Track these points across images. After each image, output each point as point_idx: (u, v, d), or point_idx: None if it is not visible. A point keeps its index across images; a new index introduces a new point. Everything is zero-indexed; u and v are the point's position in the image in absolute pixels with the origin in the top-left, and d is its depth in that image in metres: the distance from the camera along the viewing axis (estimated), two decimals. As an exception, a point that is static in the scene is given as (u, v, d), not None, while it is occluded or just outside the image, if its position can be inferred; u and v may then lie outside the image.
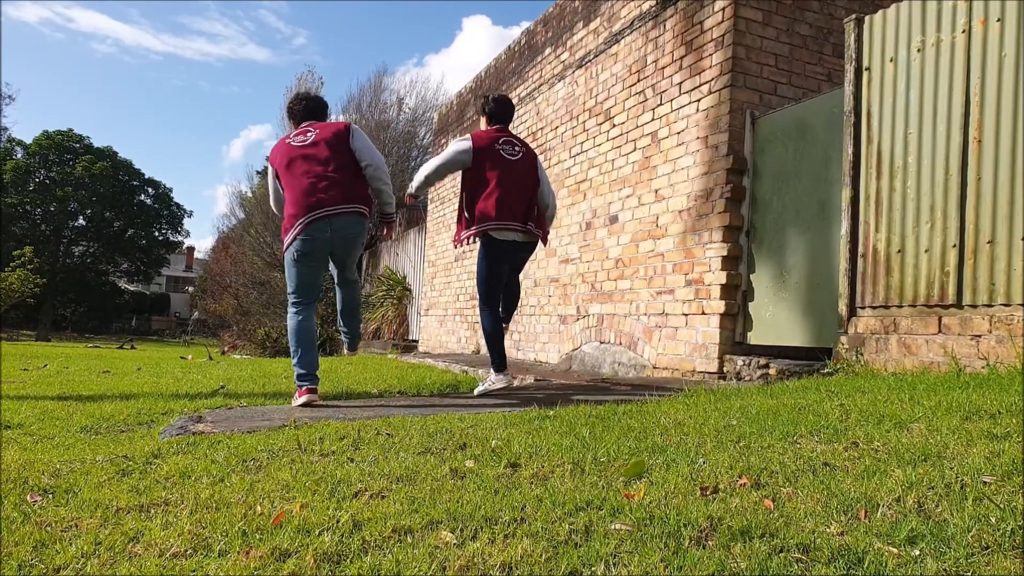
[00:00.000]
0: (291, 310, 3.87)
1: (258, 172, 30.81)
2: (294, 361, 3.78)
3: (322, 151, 3.81)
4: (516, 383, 5.14)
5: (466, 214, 4.19)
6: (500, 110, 4.34)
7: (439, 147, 11.59)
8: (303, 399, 3.62)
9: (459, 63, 68.04)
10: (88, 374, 6.35)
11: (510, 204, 4.11)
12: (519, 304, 4.55)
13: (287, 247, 3.81)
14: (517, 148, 4.25)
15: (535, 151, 4.44)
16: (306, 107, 4.04)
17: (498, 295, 4.30)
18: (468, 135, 4.22)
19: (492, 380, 4.26)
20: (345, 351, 4.17)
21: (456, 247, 4.47)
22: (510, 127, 4.42)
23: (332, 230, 3.74)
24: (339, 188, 3.75)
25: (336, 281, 4.13)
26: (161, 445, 2.48)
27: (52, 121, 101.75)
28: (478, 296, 4.32)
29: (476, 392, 4.28)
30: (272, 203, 4.08)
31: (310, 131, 3.90)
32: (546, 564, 1.30)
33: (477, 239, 4.18)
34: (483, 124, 4.39)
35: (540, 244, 4.43)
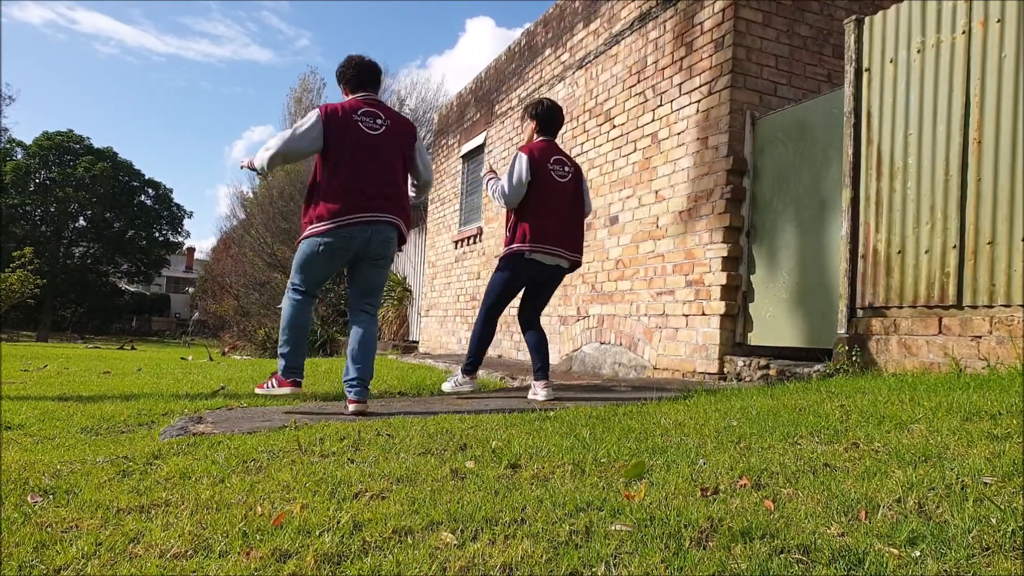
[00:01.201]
0: (292, 296, 3.56)
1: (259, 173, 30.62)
2: (284, 350, 3.52)
3: (392, 148, 3.54)
4: (516, 383, 5.14)
5: (513, 230, 4.05)
6: (550, 119, 4.19)
7: (440, 147, 11.60)
8: (286, 390, 3.48)
9: (462, 64, 68.00)
10: (88, 375, 6.35)
11: (554, 227, 4.03)
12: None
13: (315, 234, 3.43)
14: (567, 168, 4.15)
15: (580, 167, 4.31)
16: (367, 72, 3.63)
17: (503, 308, 4.22)
18: (522, 153, 4.05)
19: (460, 382, 4.22)
20: (352, 402, 3.34)
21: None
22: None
23: (371, 238, 3.45)
24: (396, 198, 3.52)
25: (352, 310, 3.66)
26: (161, 446, 2.48)
27: (54, 122, 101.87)
28: (484, 301, 4.23)
29: (444, 388, 4.25)
30: (292, 141, 3.46)
31: (379, 117, 3.55)
32: (547, 565, 1.30)
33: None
34: (530, 130, 4.23)
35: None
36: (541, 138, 4.19)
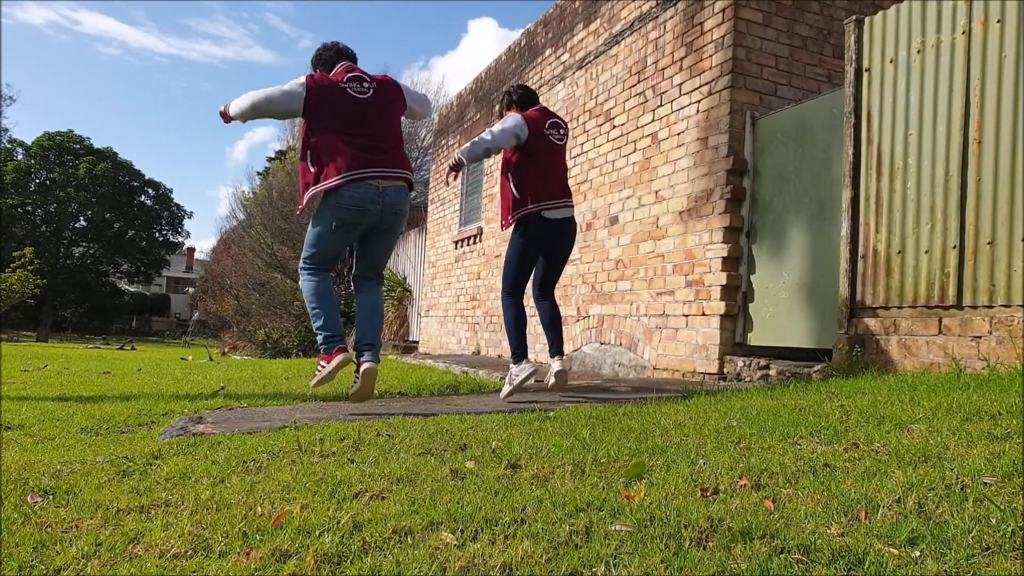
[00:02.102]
0: (306, 274, 3.55)
1: (259, 173, 30.80)
2: (317, 324, 3.49)
3: (384, 109, 3.57)
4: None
5: (515, 194, 4.06)
6: (527, 97, 4.27)
7: (440, 148, 11.60)
8: (339, 358, 3.38)
9: (465, 65, 67.93)
10: (88, 375, 6.35)
11: (555, 184, 4.10)
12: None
13: (326, 207, 3.42)
14: (562, 131, 4.22)
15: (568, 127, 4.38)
16: (344, 51, 3.69)
17: (524, 284, 4.19)
18: (517, 115, 4.10)
19: (515, 372, 3.97)
20: (363, 368, 3.41)
21: (504, 229, 4.28)
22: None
23: (384, 203, 3.46)
24: (398, 152, 3.54)
25: (360, 279, 3.68)
26: (161, 446, 2.49)
27: (56, 122, 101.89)
28: (502, 284, 4.18)
29: (502, 395, 3.99)
30: (272, 94, 3.47)
31: (364, 79, 3.57)
32: (546, 565, 1.30)
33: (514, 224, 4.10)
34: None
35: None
36: (532, 109, 4.23)
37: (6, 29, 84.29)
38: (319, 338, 3.51)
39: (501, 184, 4.21)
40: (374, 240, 3.62)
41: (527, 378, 3.91)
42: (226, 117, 3.68)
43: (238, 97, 3.61)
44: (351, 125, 3.47)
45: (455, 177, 4.31)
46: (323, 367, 3.48)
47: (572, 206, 4.20)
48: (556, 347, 4.07)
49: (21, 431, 3.23)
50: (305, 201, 3.50)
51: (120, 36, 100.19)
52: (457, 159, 4.12)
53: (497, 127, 4.06)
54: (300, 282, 3.59)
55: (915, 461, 1.83)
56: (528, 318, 4.29)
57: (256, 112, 3.54)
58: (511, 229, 4.20)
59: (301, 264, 3.60)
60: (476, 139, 4.06)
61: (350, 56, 3.72)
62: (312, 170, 3.47)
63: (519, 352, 4.08)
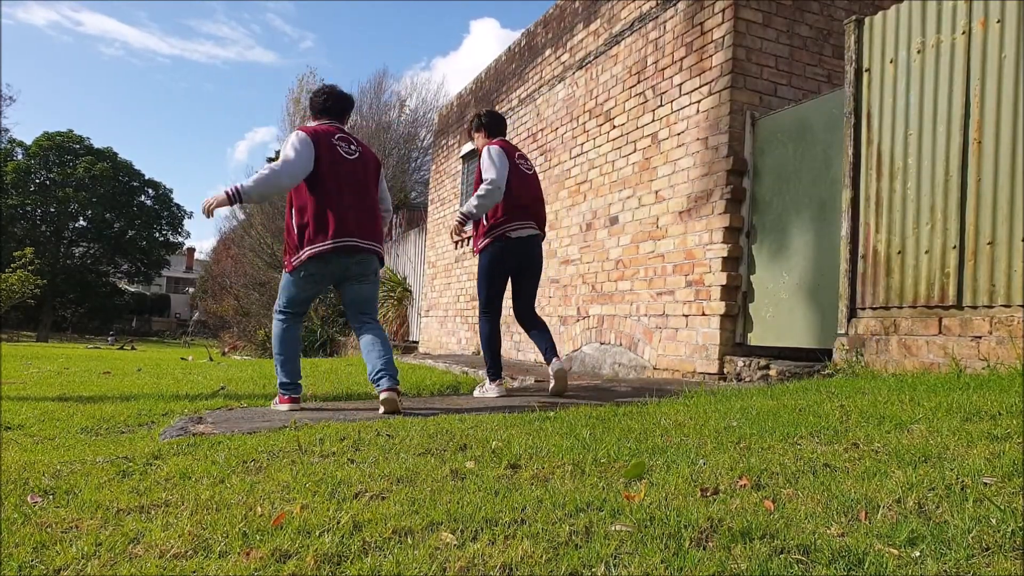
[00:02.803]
0: (279, 318, 3.67)
1: (258, 173, 30.56)
2: (278, 369, 3.64)
3: (368, 175, 3.66)
4: (516, 384, 5.14)
5: (484, 221, 4.18)
6: (494, 124, 4.39)
7: (440, 148, 11.60)
8: (286, 407, 3.55)
9: (467, 66, 67.87)
10: (88, 375, 6.35)
11: (524, 209, 4.18)
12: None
13: (300, 263, 3.50)
14: (529, 164, 4.33)
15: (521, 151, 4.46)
16: (338, 106, 3.73)
17: (500, 300, 4.26)
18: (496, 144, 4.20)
19: (487, 389, 4.22)
20: (385, 391, 3.35)
21: (475, 254, 4.31)
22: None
23: (353, 263, 3.55)
24: (374, 223, 3.62)
25: (356, 323, 3.70)
26: (161, 446, 2.48)
27: (59, 123, 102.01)
28: (479, 301, 4.27)
29: (475, 394, 4.29)
30: (289, 171, 3.42)
31: (352, 143, 3.66)
32: (546, 565, 1.30)
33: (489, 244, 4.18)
34: (482, 139, 4.35)
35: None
36: (498, 139, 4.31)
37: (8, 29, 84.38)
38: (278, 381, 3.64)
39: None
40: (349, 285, 3.63)
41: (495, 398, 4.03)
42: (230, 201, 3.45)
43: (248, 183, 3.47)
44: (340, 185, 3.50)
45: (458, 244, 4.40)
46: (278, 406, 3.61)
47: (538, 231, 4.25)
48: (550, 354, 4.11)
49: (21, 431, 3.23)
50: (294, 264, 3.53)
51: (122, 37, 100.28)
52: (467, 214, 4.12)
53: (492, 175, 4.07)
54: (273, 324, 3.70)
55: (915, 461, 1.83)
56: (516, 335, 4.34)
57: (274, 192, 3.56)
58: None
59: (276, 308, 3.69)
60: (481, 194, 4.06)
61: (345, 108, 3.75)
62: (298, 228, 3.50)
63: (493, 371, 4.23)
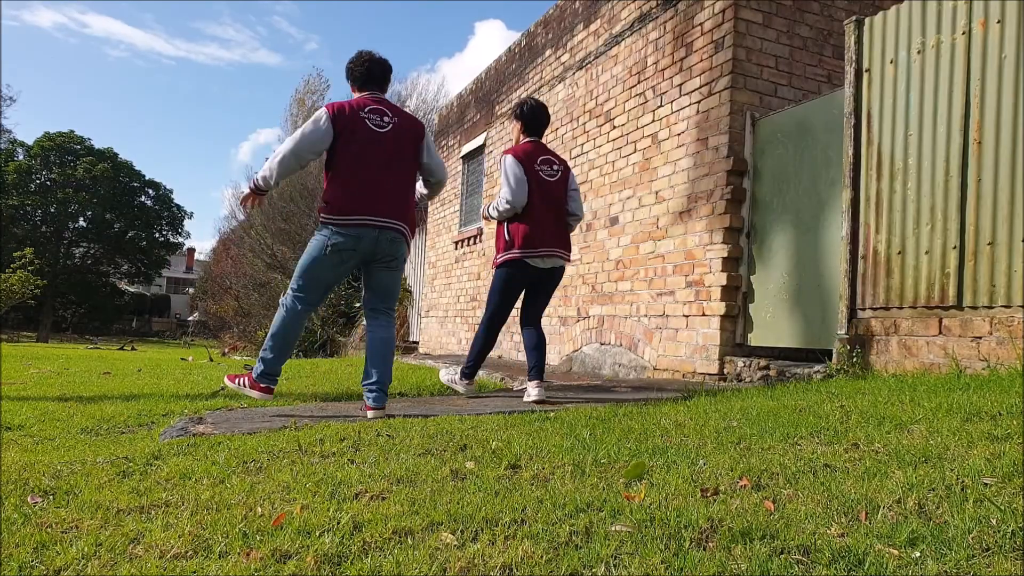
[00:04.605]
0: (291, 303, 3.44)
1: (258, 174, 30.58)
2: (267, 355, 3.42)
3: (402, 148, 3.47)
4: (516, 384, 5.14)
5: (506, 236, 4.03)
6: (534, 120, 4.15)
7: (440, 148, 11.60)
8: (256, 394, 3.42)
9: (471, 67, 67.77)
10: (88, 375, 6.35)
11: (547, 229, 4.00)
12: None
13: (326, 222, 3.36)
14: (556, 167, 4.11)
15: (568, 165, 4.27)
16: (376, 71, 3.53)
17: (507, 316, 4.18)
18: (510, 153, 4.04)
19: (457, 380, 4.25)
20: (369, 409, 3.29)
21: (494, 268, 4.22)
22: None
23: (379, 240, 3.39)
24: (401, 203, 3.45)
25: (372, 313, 3.56)
26: (162, 446, 2.48)
27: (63, 124, 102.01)
28: (485, 311, 4.16)
29: (441, 376, 4.34)
30: (301, 141, 3.36)
31: (386, 115, 3.46)
32: (547, 565, 1.30)
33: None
34: (516, 131, 4.21)
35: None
36: (527, 139, 4.15)
37: (14, 31, 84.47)
38: (259, 365, 3.46)
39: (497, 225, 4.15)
40: (376, 269, 3.50)
41: (460, 393, 4.16)
42: (258, 191, 3.52)
43: (264, 171, 3.45)
44: (363, 162, 3.37)
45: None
46: (243, 385, 3.48)
47: (562, 255, 4.09)
48: (536, 371, 3.93)
49: (21, 431, 3.23)
50: (320, 212, 3.44)
51: (128, 39, 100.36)
52: (487, 217, 4.18)
53: (507, 196, 3.95)
54: (280, 305, 3.49)
55: (915, 462, 1.83)
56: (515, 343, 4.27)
57: (289, 169, 3.45)
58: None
59: (290, 288, 3.50)
60: (500, 211, 3.99)
61: (382, 74, 3.58)
62: (328, 190, 3.42)
63: (470, 370, 4.22)
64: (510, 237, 4.00)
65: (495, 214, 4.04)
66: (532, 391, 3.82)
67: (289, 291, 3.50)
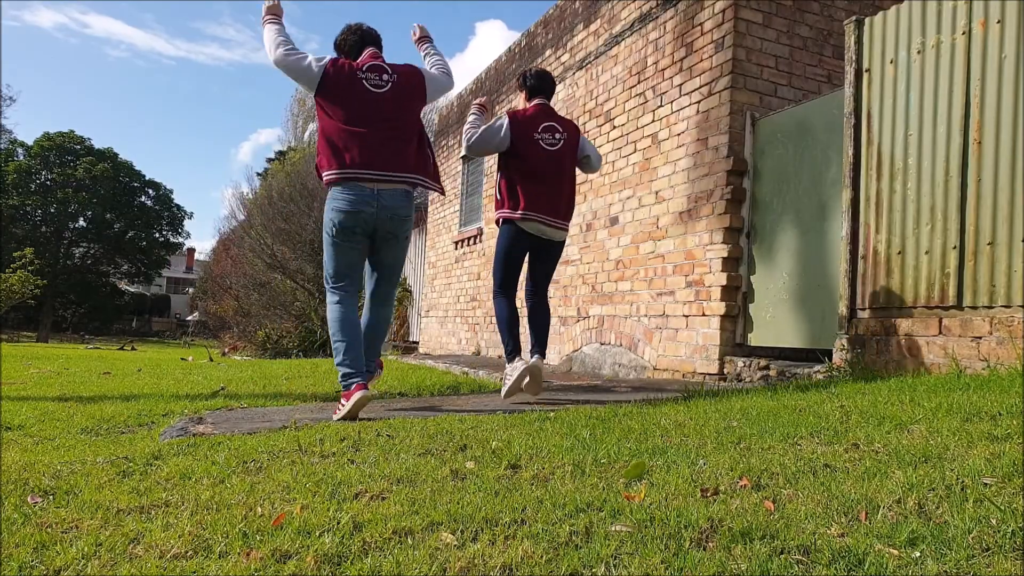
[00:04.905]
0: (330, 297, 3.34)
1: (258, 174, 30.78)
2: (338, 359, 3.23)
3: (400, 104, 3.36)
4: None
5: (496, 195, 3.98)
6: (538, 82, 4.11)
7: (440, 148, 11.60)
8: (358, 395, 3.08)
9: (472, 67, 67.71)
10: (88, 375, 6.35)
11: (539, 197, 3.90)
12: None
13: (328, 208, 3.29)
14: (559, 135, 3.99)
15: (576, 126, 4.18)
16: (369, 36, 3.49)
17: (515, 282, 4.06)
18: (506, 113, 4.01)
19: (508, 371, 3.87)
20: (357, 392, 3.14)
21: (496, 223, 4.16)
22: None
23: (379, 206, 3.26)
24: (405, 155, 3.32)
25: (372, 288, 3.48)
26: (162, 446, 2.49)
27: (63, 124, 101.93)
28: (493, 281, 4.08)
29: (503, 395, 3.90)
30: (295, 63, 3.31)
31: (385, 71, 3.37)
32: (547, 565, 1.30)
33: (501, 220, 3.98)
34: (522, 101, 4.16)
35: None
36: (534, 102, 4.08)
37: (14, 31, 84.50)
38: (339, 374, 3.24)
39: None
40: (380, 241, 3.40)
41: (521, 375, 3.77)
42: (273, 15, 3.54)
43: (272, 35, 3.42)
44: (355, 120, 3.27)
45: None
46: (343, 405, 3.15)
47: (558, 226, 3.98)
48: (539, 346, 3.88)
49: (21, 431, 3.23)
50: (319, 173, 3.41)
51: (128, 39, 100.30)
52: (467, 123, 4.15)
53: (472, 135, 3.98)
54: (327, 307, 3.37)
55: (915, 462, 1.83)
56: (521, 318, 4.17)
57: (275, 56, 3.37)
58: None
59: (326, 284, 3.42)
60: (466, 131, 4.01)
61: (375, 40, 3.54)
62: (320, 153, 3.36)
63: (512, 351, 3.94)
64: (500, 196, 3.99)
65: (465, 125, 4.10)
66: (531, 359, 3.82)
67: (325, 283, 3.44)
